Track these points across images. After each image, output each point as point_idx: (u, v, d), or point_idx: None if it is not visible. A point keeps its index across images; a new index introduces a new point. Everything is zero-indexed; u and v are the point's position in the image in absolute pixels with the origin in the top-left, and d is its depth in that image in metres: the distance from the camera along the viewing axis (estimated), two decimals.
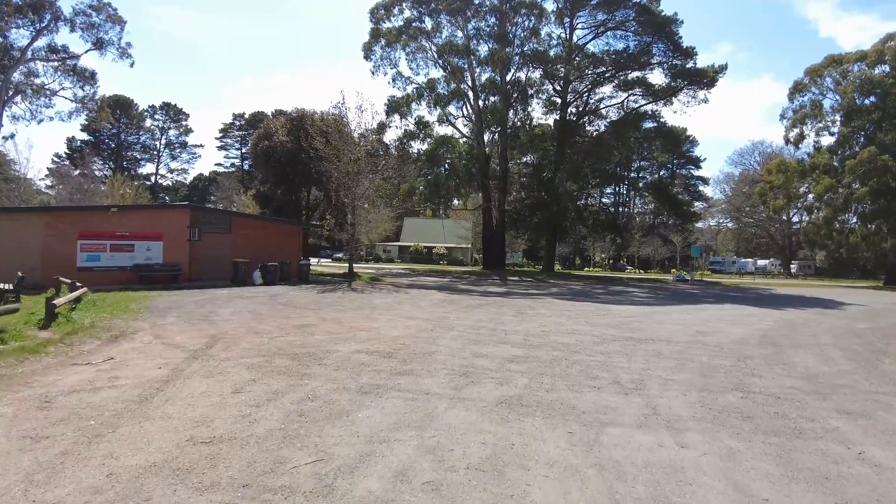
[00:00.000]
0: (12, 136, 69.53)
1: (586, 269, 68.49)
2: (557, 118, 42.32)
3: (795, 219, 72.65)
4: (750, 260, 72.52)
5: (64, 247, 18.04)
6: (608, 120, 43.52)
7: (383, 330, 10.70)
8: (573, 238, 53.02)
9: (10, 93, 43.21)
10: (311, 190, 31.58)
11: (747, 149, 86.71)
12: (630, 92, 41.65)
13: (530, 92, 42.14)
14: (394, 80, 42.74)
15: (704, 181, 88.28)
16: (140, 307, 13.05)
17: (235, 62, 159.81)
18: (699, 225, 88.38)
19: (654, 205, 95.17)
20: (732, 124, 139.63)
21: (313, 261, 52.94)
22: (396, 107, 40.11)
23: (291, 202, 30.77)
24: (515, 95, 40.70)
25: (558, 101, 42.73)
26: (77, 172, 67.84)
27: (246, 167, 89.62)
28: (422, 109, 42.25)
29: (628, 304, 19.13)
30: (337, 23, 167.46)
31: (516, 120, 42.55)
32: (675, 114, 44.98)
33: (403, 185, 38.80)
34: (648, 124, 41.21)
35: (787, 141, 46.99)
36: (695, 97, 38.19)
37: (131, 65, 48.70)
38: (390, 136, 40.99)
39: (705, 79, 36.67)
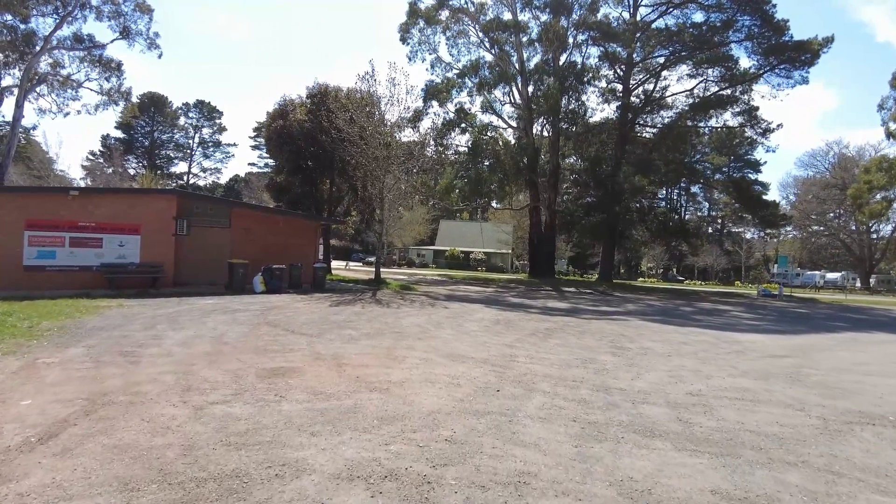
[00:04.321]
0: (34, 127, 69.56)
1: (640, 279, 62.34)
2: (619, 105, 36.93)
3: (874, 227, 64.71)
4: (817, 272, 64.84)
5: (6, 239, 14.00)
6: (676, 111, 37.85)
7: (411, 389, 6.00)
8: (631, 244, 47.15)
9: (34, 82, 41.26)
10: (334, 180, 27.24)
11: (820, 150, 78.69)
12: (704, 77, 35.86)
13: (586, 77, 36.91)
14: (432, 66, 38.40)
15: (764, 186, 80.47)
16: (55, 326, 8.83)
17: (273, 62, 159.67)
18: (753, 234, 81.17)
19: (709, 211, 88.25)
20: (782, 131, 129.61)
21: (340, 264, 49.16)
22: (435, 93, 35.55)
23: (311, 194, 26.52)
24: (570, 80, 35.56)
25: (619, 87, 37.37)
26: (111, 170, 66.49)
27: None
28: (462, 96, 37.70)
29: (749, 331, 13.90)
30: (376, 27, 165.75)
31: (569, 110, 37.40)
32: (764, 98, 38.80)
33: (442, 181, 34.19)
34: (734, 109, 34.93)
35: (890, 134, 40.06)
36: (789, 77, 31.86)
37: (159, 56, 45.71)
38: (426, 124, 36.59)
39: (806, 54, 30.20)
